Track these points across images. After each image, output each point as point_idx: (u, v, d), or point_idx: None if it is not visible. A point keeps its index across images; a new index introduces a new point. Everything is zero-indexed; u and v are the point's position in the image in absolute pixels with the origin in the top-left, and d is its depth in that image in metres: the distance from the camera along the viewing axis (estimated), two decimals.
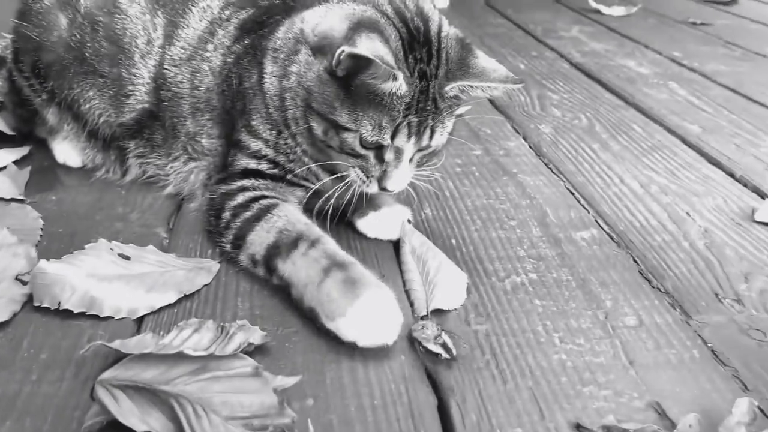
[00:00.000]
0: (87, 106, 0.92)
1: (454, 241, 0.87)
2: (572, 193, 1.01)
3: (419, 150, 0.77)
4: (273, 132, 0.81)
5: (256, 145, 0.82)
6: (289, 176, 0.82)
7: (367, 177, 0.76)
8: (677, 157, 1.16)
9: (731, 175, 1.09)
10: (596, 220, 0.93)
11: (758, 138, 1.25)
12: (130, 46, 0.89)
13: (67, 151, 1.00)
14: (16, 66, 0.96)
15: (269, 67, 0.80)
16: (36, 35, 0.91)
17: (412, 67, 0.71)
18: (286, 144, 0.81)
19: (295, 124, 0.78)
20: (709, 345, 0.68)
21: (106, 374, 0.56)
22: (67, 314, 0.67)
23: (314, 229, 0.74)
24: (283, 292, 0.72)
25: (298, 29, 0.77)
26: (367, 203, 0.87)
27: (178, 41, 0.89)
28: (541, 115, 1.35)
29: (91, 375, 0.60)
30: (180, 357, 0.56)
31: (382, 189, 0.77)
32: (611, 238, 0.89)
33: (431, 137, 0.75)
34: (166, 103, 0.89)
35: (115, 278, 0.71)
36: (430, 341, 0.65)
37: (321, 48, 0.73)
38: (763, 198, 1.00)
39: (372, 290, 0.66)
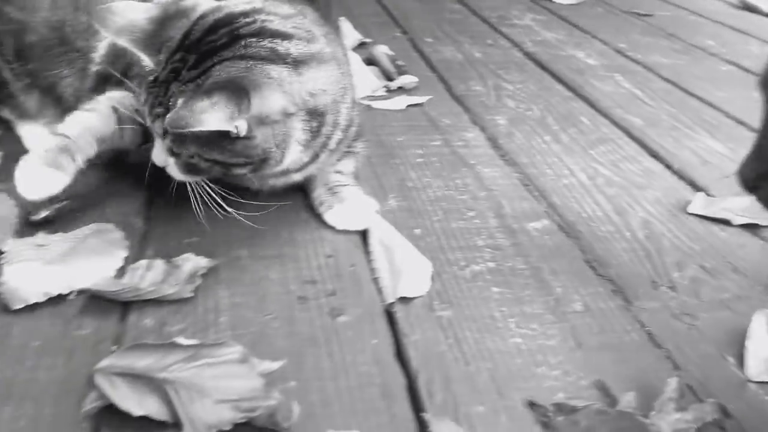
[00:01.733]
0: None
1: (418, 231, 0.93)
2: (525, 185, 1.08)
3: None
4: None
5: None
6: None
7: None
8: (621, 149, 1.24)
9: (669, 167, 1.18)
10: (547, 211, 1.01)
11: (695, 132, 1.35)
12: None
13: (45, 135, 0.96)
14: None
15: None
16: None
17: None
18: None
19: None
20: (646, 329, 0.77)
21: (103, 363, 0.60)
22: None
23: None
24: (258, 291, 0.77)
25: None
26: (332, 197, 0.92)
27: None
28: (497, 106, 1.41)
29: (82, 363, 0.64)
30: (173, 346, 0.61)
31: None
32: (561, 228, 0.96)
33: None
34: None
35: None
36: None
37: None
38: (697, 190, 1.09)
39: None
